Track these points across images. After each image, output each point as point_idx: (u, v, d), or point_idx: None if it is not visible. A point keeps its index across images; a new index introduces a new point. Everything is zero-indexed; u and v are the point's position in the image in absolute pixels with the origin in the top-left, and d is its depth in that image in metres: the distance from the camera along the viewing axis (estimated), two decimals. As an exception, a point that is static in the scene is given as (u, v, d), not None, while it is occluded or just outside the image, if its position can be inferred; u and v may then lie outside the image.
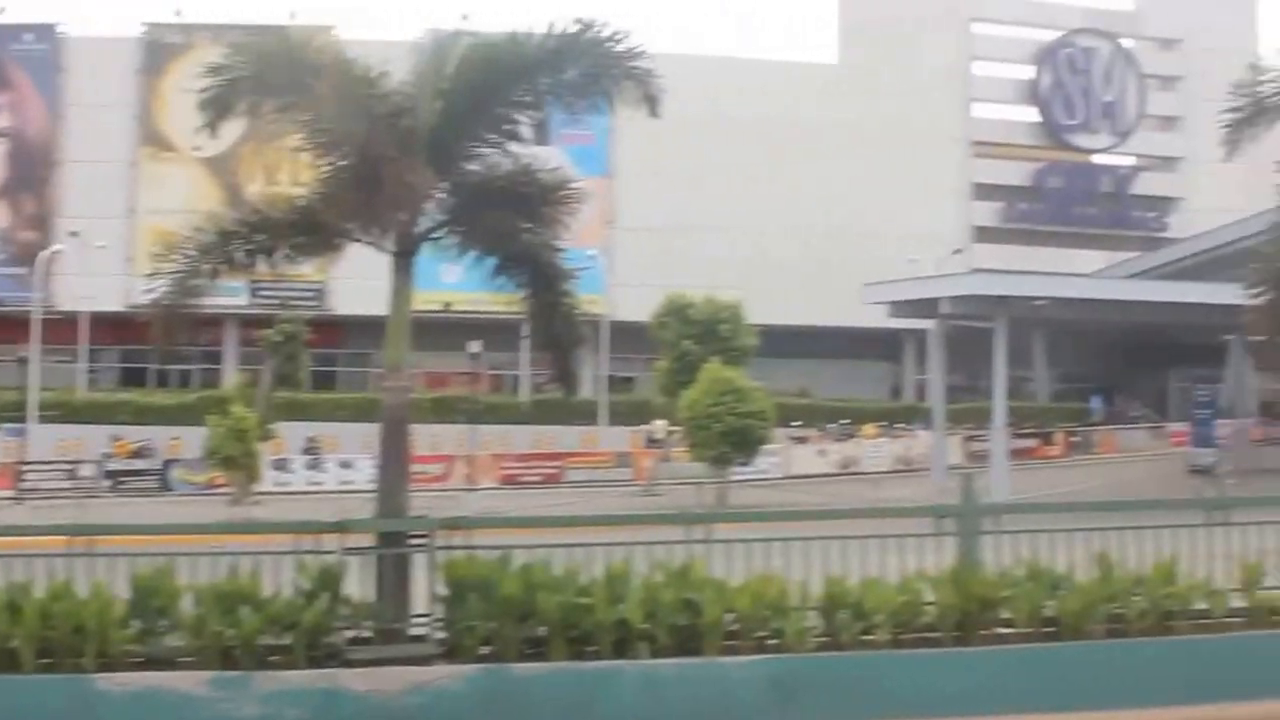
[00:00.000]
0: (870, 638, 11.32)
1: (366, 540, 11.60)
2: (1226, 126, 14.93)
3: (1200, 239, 51.99)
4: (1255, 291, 14.92)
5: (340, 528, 11.47)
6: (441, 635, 11.20)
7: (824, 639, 11.28)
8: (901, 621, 11.41)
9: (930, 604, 11.57)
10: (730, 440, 35.71)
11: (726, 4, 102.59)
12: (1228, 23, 66.64)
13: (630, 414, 49.48)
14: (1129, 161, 71.06)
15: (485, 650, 11.01)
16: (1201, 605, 11.99)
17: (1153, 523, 12.83)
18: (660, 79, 12.33)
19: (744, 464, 38.18)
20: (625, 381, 58.05)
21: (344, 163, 11.71)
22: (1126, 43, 70.07)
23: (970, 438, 46.78)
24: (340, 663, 10.78)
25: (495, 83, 12.28)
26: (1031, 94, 68.54)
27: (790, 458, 45.42)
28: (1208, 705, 11.12)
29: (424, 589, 11.41)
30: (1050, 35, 68.63)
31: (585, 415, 49.80)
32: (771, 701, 10.74)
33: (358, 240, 12.40)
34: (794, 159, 59.77)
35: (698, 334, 44.40)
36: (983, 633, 11.48)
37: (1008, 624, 11.63)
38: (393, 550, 11.45)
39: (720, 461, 36.34)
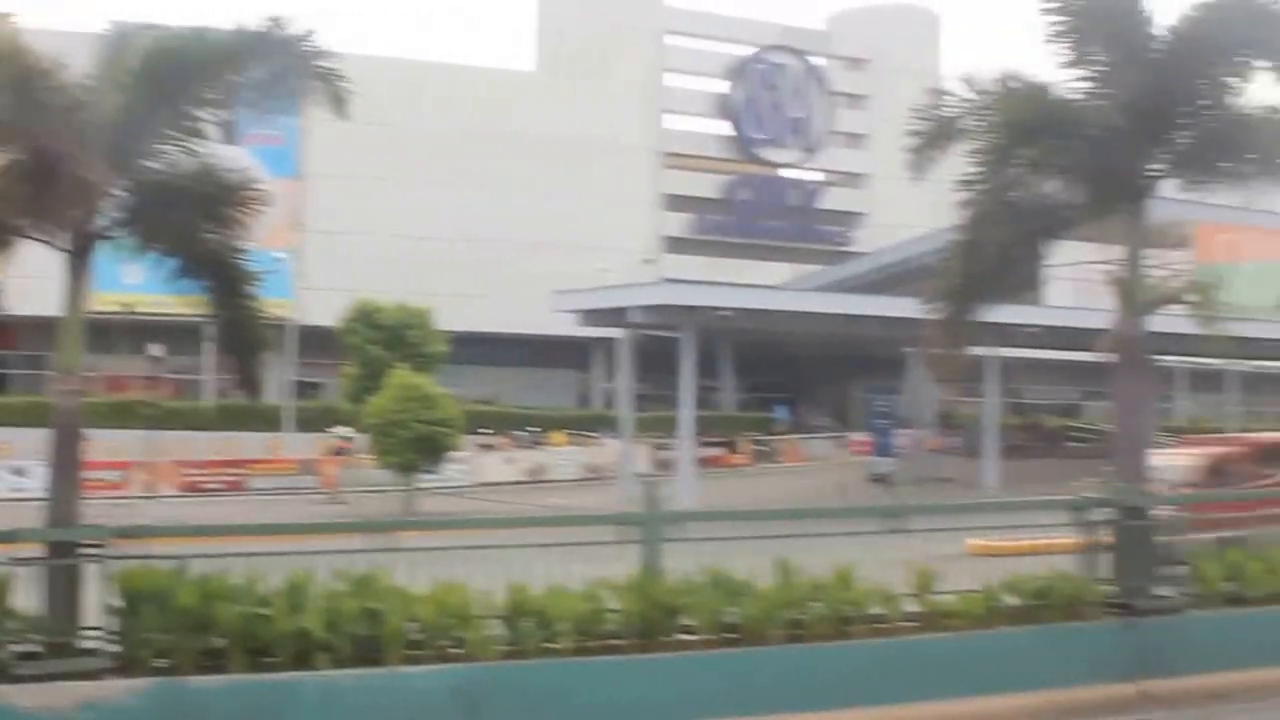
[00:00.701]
0: (554, 646, 11.33)
1: (36, 550, 11.09)
2: (910, 149, 15.44)
3: (883, 254, 54.18)
4: (931, 306, 15.51)
5: (6, 537, 10.95)
6: (115, 649, 10.77)
7: (508, 648, 11.24)
8: (585, 629, 11.43)
9: (614, 611, 11.67)
10: (417, 447, 35.56)
11: (432, 10, 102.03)
12: (913, 45, 69.59)
13: (317, 420, 48.68)
14: (817, 177, 73.30)
15: (162, 663, 10.64)
16: (878, 610, 12.31)
17: (832, 530, 13.26)
18: (350, 80, 12.14)
19: (431, 471, 38.02)
20: (313, 387, 56.91)
21: (16, 156, 11.16)
22: (817, 61, 72.28)
23: (658, 446, 47.50)
24: (6, 679, 10.27)
25: (179, 79, 11.88)
26: (723, 108, 69.98)
27: (478, 465, 45.45)
28: (884, 707, 11.47)
29: (96, 601, 10.97)
30: (743, 50, 70.24)
31: (270, 421, 48.67)
32: (455, 711, 10.65)
33: (30, 238, 11.85)
34: (490, 166, 59.68)
35: (386, 340, 44.05)
36: (665, 640, 11.58)
37: (690, 630, 11.76)
38: (63, 561, 10.96)
39: (407, 469, 36.12)
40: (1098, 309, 15.28)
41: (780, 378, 61.25)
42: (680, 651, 11.57)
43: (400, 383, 36.34)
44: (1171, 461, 20.25)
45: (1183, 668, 12.62)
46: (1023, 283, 21.66)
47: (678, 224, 67.79)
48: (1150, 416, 15.72)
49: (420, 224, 58.12)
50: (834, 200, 72.02)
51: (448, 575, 11.49)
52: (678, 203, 67.85)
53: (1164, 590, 13.02)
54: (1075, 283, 42.71)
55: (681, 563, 12.23)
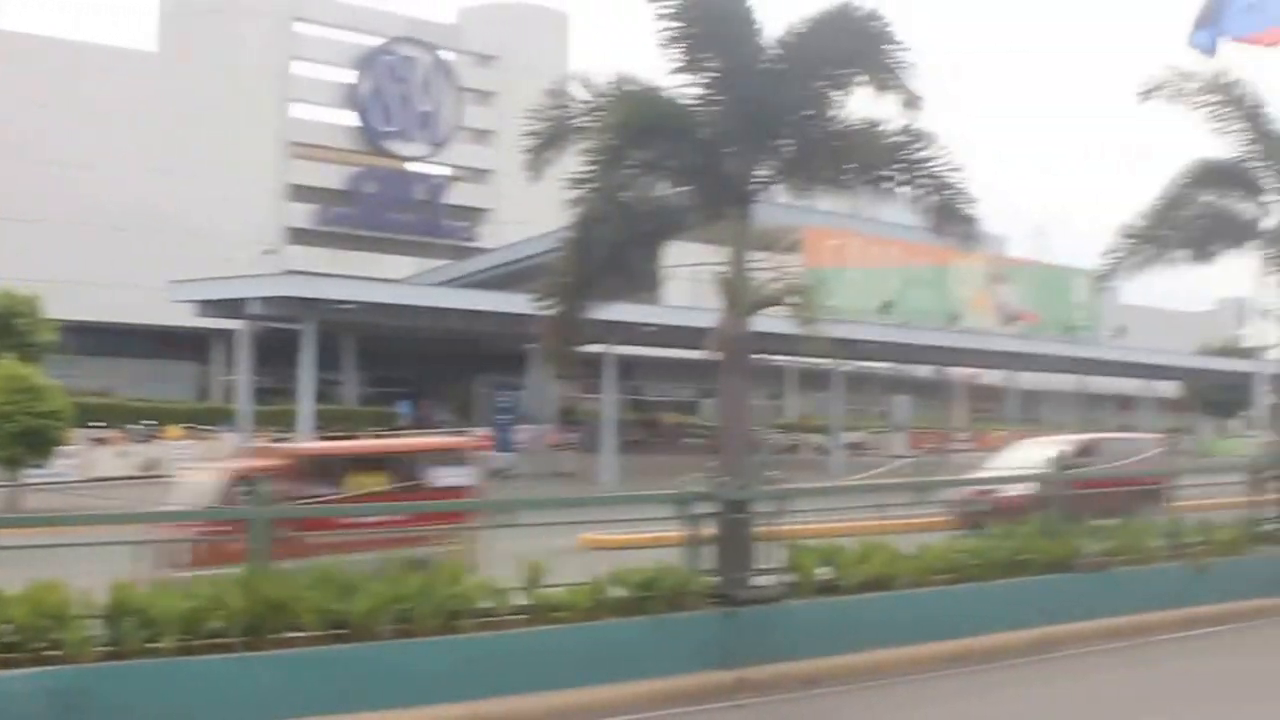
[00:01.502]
0: (158, 645, 10.98)
1: None
2: (528, 148, 15.57)
3: (507, 250, 54.39)
4: (544, 303, 15.68)
5: None
6: None
7: (109, 648, 10.83)
8: (190, 627, 11.12)
9: (221, 609, 11.38)
10: (24, 441, 33.75)
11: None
12: (542, 43, 70.08)
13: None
14: (444, 171, 73.08)
15: None
16: (487, 604, 12.37)
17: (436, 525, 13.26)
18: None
19: (39, 466, 36.20)
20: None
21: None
22: (446, 55, 72.06)
23: (277, 440, 46.54)
24: None
25: None
26: (351, 98, 69.05)
27: (89, 460, 43.46)
28: (492, 700, 11.55)
29: None
30: (372, 41, 69.47)
31: None
32: (50, 715, 10.20)
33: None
34: (109, 149, 57.03)
35: (-9, 329, 41.65)
36: (274, 637, 11.37)
37: (299, 628, 11.56)
38: None
39: (12, 463, 34.27)
40: (712, 309, 15.73)
41: (405, 372, 60.81)
42: (288, 649, 11.37)
43: (6, 374, 34.38)
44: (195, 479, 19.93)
45: (780, 654, 13.16)
46: (639, 282, 22.13)
47: (303, 215, 66.45)
48: (750, 413, 16.26)
49: (32, 206, 55.06)
50: (461, 196, 71.93)
51: (49, 574, 11.00)
52: (303, 193, 66.50)
53: (763, 580, 13.52)
54: (695, 283, 43.98)
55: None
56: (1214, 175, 21.00)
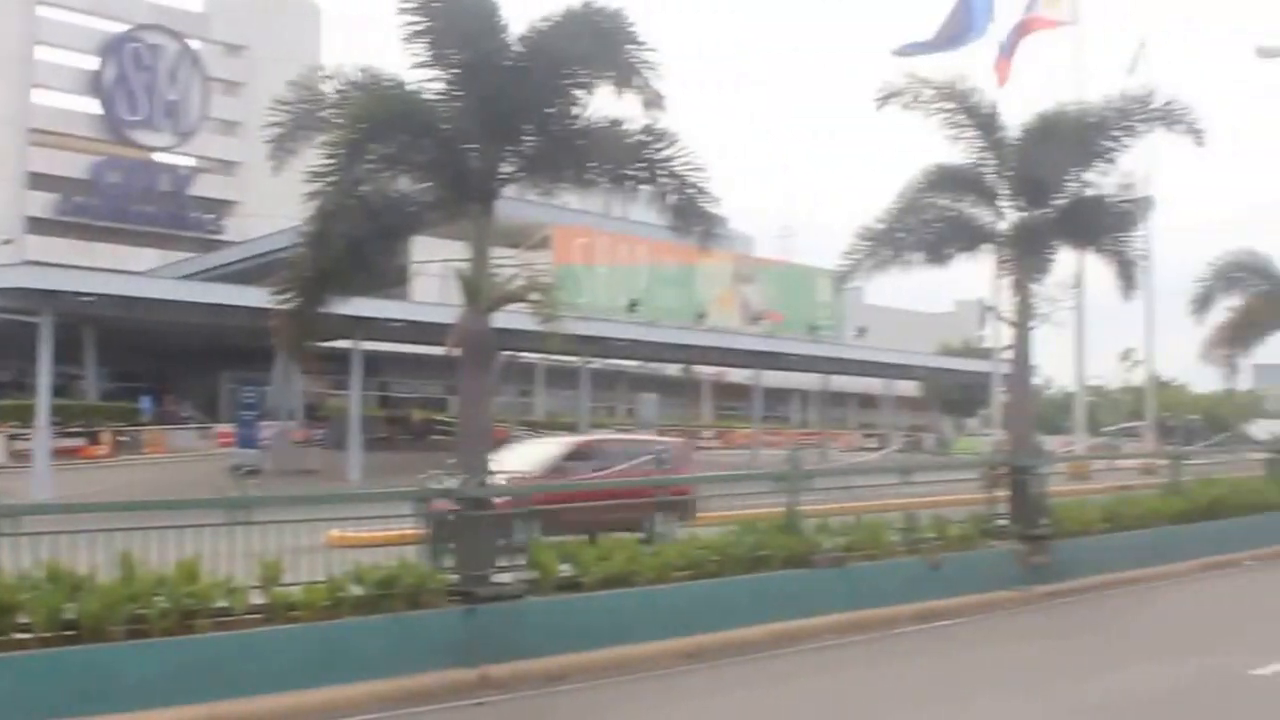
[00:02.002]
0: None
1: None
2: (271, 139, 15.25)
3: (253, 244, 53.32)
4: (282, 298, 15.37)
5: None
6: None
7: None
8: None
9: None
10: None
11: None
12: (293, 34, 68.91)
13: None
14: (190, 162, 71.40)
15: None
16: (223, 603, 12.10)
17: (181, 522, 12.92)
18: None
19: None
20: None
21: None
22: (194, 44, 70.39)
23: (14, 436, 44.89)
24: None
25: None
26: (95, 86, 66.94)
27: None
28: (231, 701, 11.32)
29: None
30: (118, 28, 67.43)
31: None
32: None
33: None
34: None
35: None
36: (1, 639, 10.95)
37: (27, 629, 11.15)
38: None
39: None
40: (458, 306, 15.61)
41: (149, 367, 59.20)
42: (15, 651, 10.94)
43: None
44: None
45: (522, 651, 13.17)
46: (383, 277, 21.90)
47: (43, 204, 64.14)
48: (490, 409, 16.20)
49: None
50: (207, 187, 70.44)
51: None
52: (43, 182, 64.24)
53: (504, 577, 13.50)
54: (446, 279, 43.76)
55: (18, 558, 11.58)
56: (949, 180, 21.64)
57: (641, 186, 15.70)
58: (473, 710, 12.09)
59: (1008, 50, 46.24)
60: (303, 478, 40.05)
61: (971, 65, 40.90)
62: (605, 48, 14.85)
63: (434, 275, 44.23)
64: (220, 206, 69.63)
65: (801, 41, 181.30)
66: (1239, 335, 29.74)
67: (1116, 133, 21.46)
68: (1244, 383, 62.47)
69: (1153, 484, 25.64)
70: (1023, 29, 47.24)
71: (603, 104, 15.27)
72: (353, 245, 15.02)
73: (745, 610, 15.19)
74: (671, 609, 14.62)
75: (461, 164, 14.86)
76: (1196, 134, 21.52)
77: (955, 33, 45.55)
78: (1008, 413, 23.88)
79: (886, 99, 21.33)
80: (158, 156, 70.34)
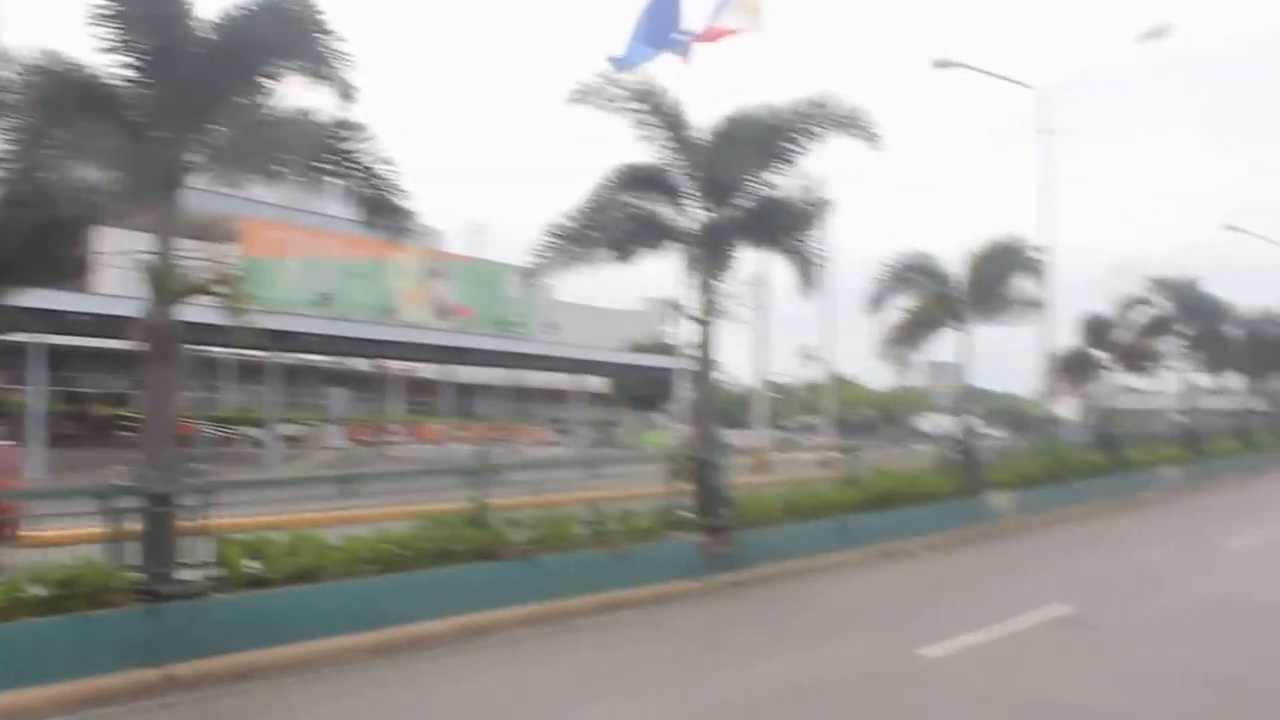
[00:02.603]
0: None
1: None
2: None
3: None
4: None
5: None
6: None
7: None
8: None
9: None
10: None
11: None
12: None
13: None
14: None
15: None
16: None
17: None
18: None
19: None
20: None
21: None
22: None
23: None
24: None
25: None
26: None
27: None
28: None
29: None
30: None
31: None
32: None
33: None
34: None
35: None
36: None
37: None
38: None
39: None
40: (143, 298, 15.21)
41: None
42: None
43: None
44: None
45: (208, 650, 12.92)
46: (64, 268, 21.15)
47: None
48: (176, 404, 15.82)
49: None
50: None
51: None
52: None
53: (189, 575, 13.24)
54: (130, 271, 42.31)
55: None
56: (639, 180, 22.06)
57: (331, 179, 15.60)
58: (157, 711, 11.81)
59: (685, 51, 47.23)
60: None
61: (666, 68, 41.71)
62: (296, 37, 14.75)
63: (119, 267, 42.79)
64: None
65: (510, 43, 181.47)
66: (912, 333, 31.18)
67: (798, 136, 22.26)
68: (916, 379, 65.61)
69: (830, 476, 26.61)
70: (708, 34, 48.29)
71: (296, 95, 15.15)
72: (34, 235, 14.52)
73: (433, 604, 15.23)
74: (360, 604, 14.54)
75: (147, 152, 14.51)
76: (872, 139, 22.50)
77: (661, 37, 46.35)
78: (692, 407, 24.49)
79: (580, 98, 21.66)
80: None
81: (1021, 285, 31.82)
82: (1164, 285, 48.85)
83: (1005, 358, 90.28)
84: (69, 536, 14.84)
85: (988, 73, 44.28)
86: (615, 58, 31.81)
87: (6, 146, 13.98)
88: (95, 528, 13.46)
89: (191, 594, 13.10)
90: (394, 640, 14.40)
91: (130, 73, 14.59)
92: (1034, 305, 32.75)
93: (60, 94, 14.03)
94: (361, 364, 68.51)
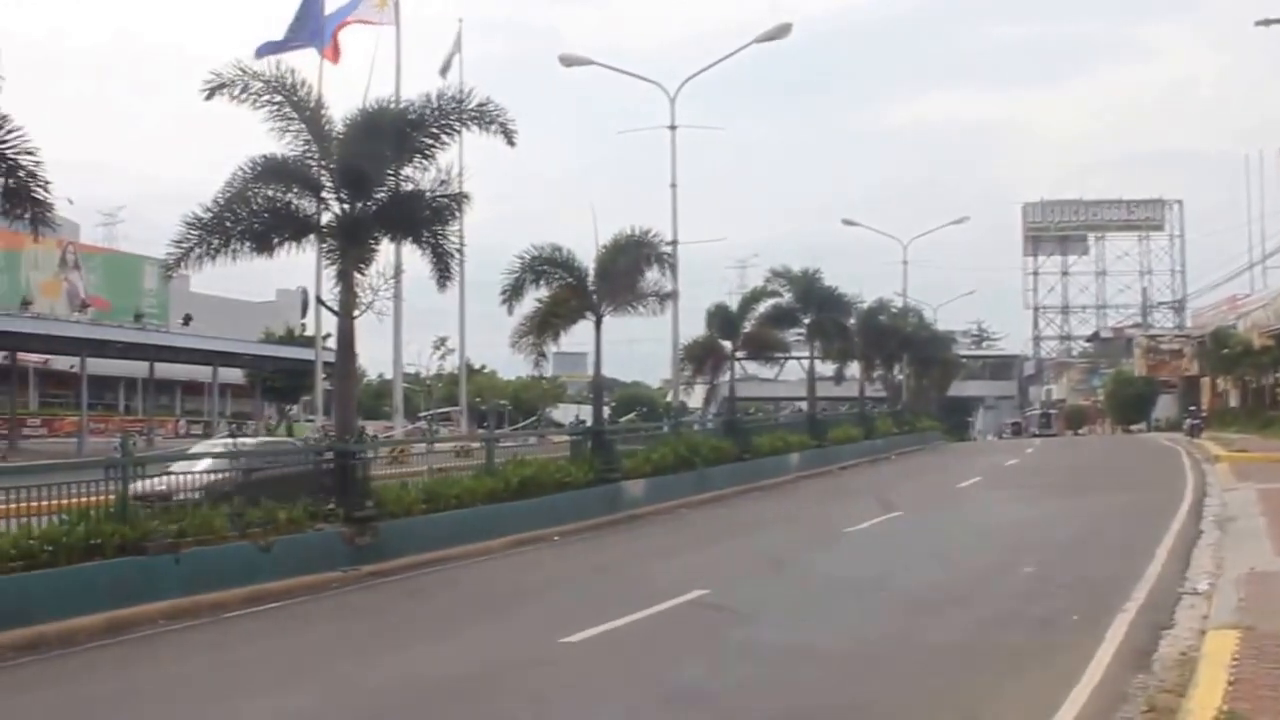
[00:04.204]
0: None
1: None
2: None
3: None
4: None
5: None
6: None
7: None
8: None
9: None
10: None
11: None
12: None
13: None
14: None
15: None
16: None
17: None
18: None
19: None
20: None
21: None
22: None
23: None
24: None
25: None
26: None
27: None
28: None
29: None
30: None
31: None
32: None
33: None
34: None
35: None
36: None
37: None
38: None
39: None
40: None
41: None
42: None
43: None
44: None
45: None
46: None
47: None
48: None
49: None
50: None
51: None
52: None
53: None
54: None
55: None
56: (277, 171, 21.95)
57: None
58: None
59: (328, 42, 46.96)
60: None
61: (306, 61, 41.40)
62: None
63: None
64: None
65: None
66: (546, 325, 31.71)
67: (434, 130, 22.60)
68: (548, 370, 66.71)
69: (468, 466, 26.93)
70: (344, 25, 48.11)
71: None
72: None
73: (79, 599, 15.07)
74: (6, 600, 14.29)
75: None
76: (508, 133, 23.04)
77: (313, 29, 45.95)
78: (333, 399, 24.55)
79: (215, 90, 21.45)
80: None
81: (653, 277, 32.67)
82: (786, 276, 50.73)
83: (634, 347, 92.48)
84: None
85: (616, 69, 45.26)
86: (262, 47, 31.59)
87: None
88: None
89: None
90: (42, 637, 14.22)
91: None
92: (664, 296, 33.62)
93: None
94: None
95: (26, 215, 15.46)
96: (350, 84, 33.51)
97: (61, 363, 69.18)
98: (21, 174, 15.09)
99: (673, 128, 42.07)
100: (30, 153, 15.10)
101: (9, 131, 14.91)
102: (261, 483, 19.79)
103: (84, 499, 16.55)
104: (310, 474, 21.12)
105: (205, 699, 12.25)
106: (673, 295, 35.06)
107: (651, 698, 11.63)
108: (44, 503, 15.89)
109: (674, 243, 37.43)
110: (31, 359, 68.98)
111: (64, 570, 15.23)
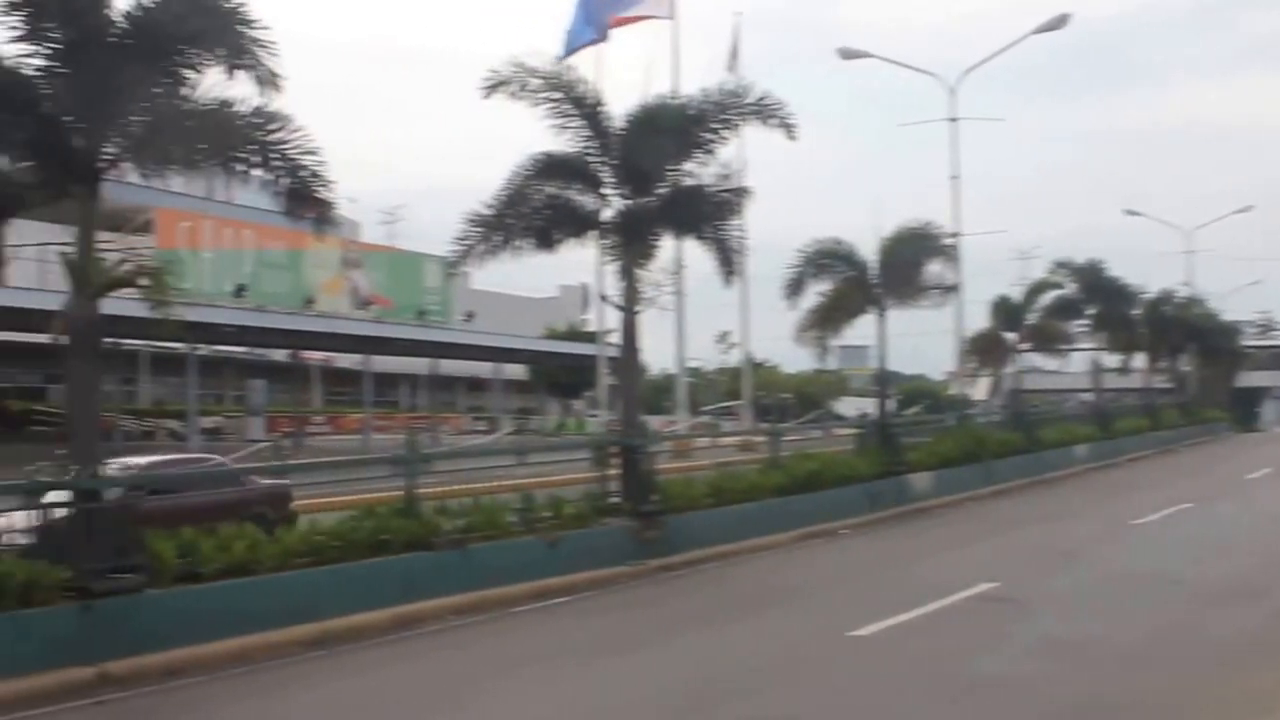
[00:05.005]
0: None
1: None
2: None
3: None
4: None
5: None
6: None
7: None
8: None
9: None
10: None
11: None
12: None
13: None
14: None
15: None
16: None
17: None
18: None
19: None
20: None
21: None
22: None
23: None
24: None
25: None
26: None
27: None
28: None
29: None
30: None
31: None
32: None
33: None
34: None
35: None
36: None
37: None
38: None
39: None
40: (61, 291, 14.95)
41: None
42: None
43: None
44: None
45: (142, 647, 12.82)
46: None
47: None
48: (100, 399, 15.58)
49: None
50: None
51: None
52: None
53: (120, 571, 13.09)
54: (42, 264, 41.64)
55: None
56: (557, 168, 21.98)
57: (253, 170, 15.39)
58: (91, 709, 11.69)
59: (603, 35, 47.36)
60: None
61: (581, 58, 41.75)
62: (215, 26, 14.54)
63: (29, 260, 42.14)
64: None
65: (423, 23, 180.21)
66: (829, 318, 31.39)
67: (715, 125, 22.32)
68: (832, 363, 66.15)
69: (752, 460, 26.80)
70: (623, 19, 48.40)
71: (216, 84, 14.91)
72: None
73: (367, 595, 15.20)
74: (294, 597, 14.50)
75: (65, 144, 14.22)
76: (788, 128, 22.62)
77: (596, 24, 46.53)
78: (621, 395, 24.54)
79: (494, 88, 21.54)
80: None
81: (934, 269, 32.20)
82: (1069, 268, 49.65)
83: (916, 340, 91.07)
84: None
85: (894, 61, 44.62)
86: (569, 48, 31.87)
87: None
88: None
89: (123, 590, 12.98)
90: (331, 632, 14.34)
91: (43, 63, 14.31)
92: (947, 289, 33.09)
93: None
94: (279, 355, 67.91)
95: (309, 216, 15.63)
96: (618, 80, 33.64)
97: (345, 360, 71.37)
98: (304, 174, 15.23)
99: (953, 120, 41.21)
100: (312, 152, 15.24)
101: (291, 132, 15.08)
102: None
103: (372, 496, 16.80)
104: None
105: (500, 688, 12.32)
106: (955, 288, 34.41)
107: (946, 691, 11.56)
108: (335, 499, 16.13)
109: (956, 235, 36.84)
110: (315, 357, 71.37)
111: (351, 566, 15.41)
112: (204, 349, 54.43)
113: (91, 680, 12.19)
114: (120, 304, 15.27)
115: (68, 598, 12.62)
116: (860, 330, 33.82)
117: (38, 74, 14.32)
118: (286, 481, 20.72)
